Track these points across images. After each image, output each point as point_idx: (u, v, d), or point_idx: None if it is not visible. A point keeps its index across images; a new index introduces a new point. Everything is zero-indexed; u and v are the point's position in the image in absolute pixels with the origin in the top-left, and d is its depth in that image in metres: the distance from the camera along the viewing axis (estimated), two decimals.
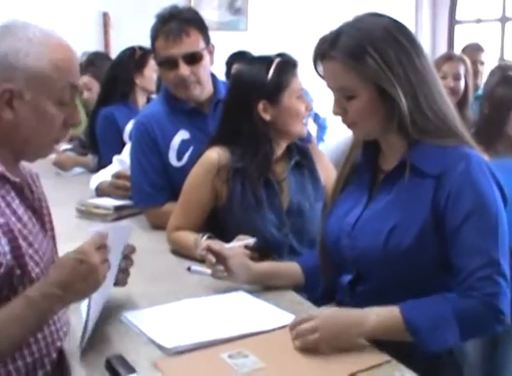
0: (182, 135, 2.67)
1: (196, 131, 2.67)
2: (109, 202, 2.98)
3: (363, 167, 1.85)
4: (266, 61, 2.26)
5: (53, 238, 1.71)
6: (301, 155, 2.39)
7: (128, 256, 1.88)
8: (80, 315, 1.68)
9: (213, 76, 2.73)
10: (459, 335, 1.58)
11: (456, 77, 3.99)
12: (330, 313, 1.67)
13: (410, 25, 7.75)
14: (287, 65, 2.28)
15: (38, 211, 1.65)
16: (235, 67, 4.09)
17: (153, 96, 4.06)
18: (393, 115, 1.67)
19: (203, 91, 2.64)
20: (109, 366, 1.39)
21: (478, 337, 1.77)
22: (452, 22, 7.73)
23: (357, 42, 1.68)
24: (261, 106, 2.23)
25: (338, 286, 1.83)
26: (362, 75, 1.67)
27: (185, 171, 2.57)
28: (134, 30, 6.05)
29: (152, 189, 2.69)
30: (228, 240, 2.22)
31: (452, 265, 1.64)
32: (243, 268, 1.95)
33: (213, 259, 1.95)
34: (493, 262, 1.60)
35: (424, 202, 1.66)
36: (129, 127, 3.77)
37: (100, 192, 3.18)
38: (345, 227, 1.79)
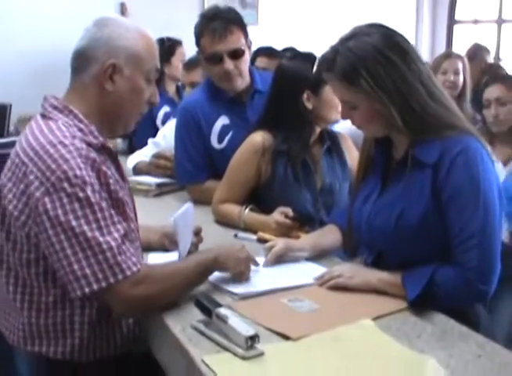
0: (223, 120, 3.01)
1: (236, 118, 3.00)
2: (151, 179, 3.31)
3: (377, 157, 2.10)
4: (310, 58, 2.59)
5: (133, 202, 2.04)
6: (331, 140, 2.73)
7: (198, 233, 2.25)
8: None
9: (249, 68, 3.05)
10: (436, 298, 1.82)
11: (456, 73, 4.35)
12: (348, 264, 2.13)
13: (411, 25, 8.09)
14: None
15: (125, 178, 1.98)
16: (261, 62, 4.40)
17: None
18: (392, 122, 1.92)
19: (243, 82, 2.97)
20: (199, 303, 1.71)
21: (457, 304, 1.89)
22: (452, 22, 8.07)
23: (351, 66, 1.89)
24: (305, 95, 2.56)
25: (364, 265, 2.12)
26: (357, 94, 1.91)
27: (225, 152, 2.94)
28: (151, 21, 6.32)
29: (194, 168, 3.03)
30: (266, 212, 2.58)
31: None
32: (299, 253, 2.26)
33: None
34: (475, 236, 1.81)
35: (425, 190, 1.89)
36: (162, 113, 4.13)
37: (137, 171, 3.50)
38: (364, 213, 2.07)
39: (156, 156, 3.41)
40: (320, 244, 2.31)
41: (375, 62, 1.88)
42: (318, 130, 2.67)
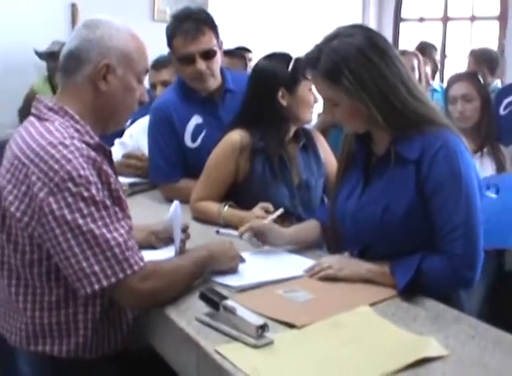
0: (196, 119, 3.06)
1: (208, 117, 3.06)
2: (123, 179, 3.32)
3: (358, 153, 2.18)
4: (286, 57, 2.67)
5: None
6: (307, 138, 2.82)
7: (185, 230, 2.29)
8: None
9: (220, 68, 3.10)
10: (424, 285, 1.91)
11: (411, 69, 4.48)
12: (337, 256, 2.18)
13: (357, 22, 8.21)
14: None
15: (117, 177, 2.01)
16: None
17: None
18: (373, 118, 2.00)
19: (215, 82, 3.03)
20: (204, 296, 1.76)
21: (444, 290, 1.99)
22: (398, 20, 8.24)
23: (334, 65, 1.97)
24: (280, 93, 2.64)
25: (350, 256, 2.19)
26: (339, 92, 1.99)
27: (199, 151, 3.02)
28: None
29: (168, 167, 3.08)
30: (244, 208, 2.64)
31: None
32: (278, 236, 2.34)
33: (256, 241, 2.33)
34: (460, 227, 1.90)
35: (409, 186, 1.98)
36: None
37: None
38: (348, 209, 2.15)
39: (127, 156, 3.43)
40: (300, 235, 2.39)
41: (357, 62, 1.96)
42: (293, 128, 2.75)
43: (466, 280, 1.95)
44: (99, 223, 1.71)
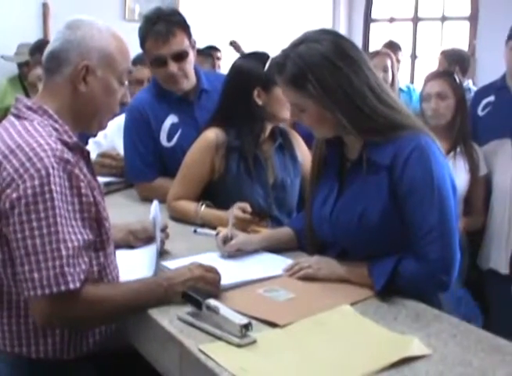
0: (172, 119, 3.06)
1: (184, 116, 3.06)
2: (99, 179, 3.30)
3: (330, 158, 2.17)
4: (263, 57, 2.66)
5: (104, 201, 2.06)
6: (283, 137, 2.82)
7: (163, 230, 2.28)
8: None
9: (195, 68, 3.11)
10: (400, 287, 1.92)
11: (384, 70, 4.53)
12: (316, 256, 2.15)
13: (327, 23, 8.26)
14: None
15: (96, 177, 2.00)
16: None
17: None
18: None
19: (189, 82, 3.03)
20: (187, 296, 1.75)
21: (421, 293, 1.96)
22: (368, 20, 8.29)
23: (299, 71, 1.96)
24: (256, 92, 2.63)
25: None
26: (304, 98, 1.98)
27: (174, 150, 3.02)
28: None
29: (144, 166, 3.06)
30: (219, 207, 2.64)
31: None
32: (249, 245, 2.31)
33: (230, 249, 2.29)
34: (435, 229, 1.90)
35: (382, 191, 1.97)
36: None
37: None
38: (324, 215, 2.13)
39: (102, 155, 3.41)
40: (271, 241, 2.37)
41: (323, 68, 1.95)
42: (269, 127, 2.75)
43: (443, 283, 1.95)
44: (51, 229, 1.67)
